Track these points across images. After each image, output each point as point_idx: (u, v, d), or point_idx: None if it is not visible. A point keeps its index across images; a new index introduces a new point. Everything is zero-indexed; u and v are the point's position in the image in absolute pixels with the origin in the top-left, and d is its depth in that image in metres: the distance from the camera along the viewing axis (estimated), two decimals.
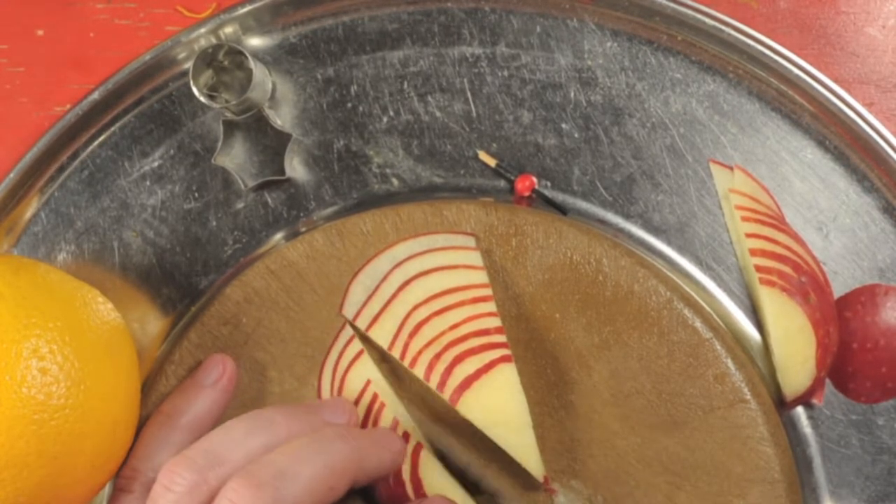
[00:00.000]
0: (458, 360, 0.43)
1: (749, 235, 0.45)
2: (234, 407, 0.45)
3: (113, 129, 0.49)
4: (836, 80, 0.46)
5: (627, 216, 0.47)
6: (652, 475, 0.44)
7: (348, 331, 0.45)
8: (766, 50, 0.46)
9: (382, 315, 0.45)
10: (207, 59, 0.46)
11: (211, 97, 0.47)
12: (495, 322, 0.44)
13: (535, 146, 0.47)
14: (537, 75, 0.48)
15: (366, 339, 0.45)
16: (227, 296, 0.46)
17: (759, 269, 0.44)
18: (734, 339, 0.45)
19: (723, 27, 0.46)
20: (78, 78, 0.50)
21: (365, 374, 0.45)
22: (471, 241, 0.45)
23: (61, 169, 0.49)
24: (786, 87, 0.46)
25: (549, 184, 0.47)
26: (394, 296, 0.45)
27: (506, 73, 0.48)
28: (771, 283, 0.44)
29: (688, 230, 0.47)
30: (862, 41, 0.48)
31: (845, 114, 0.45)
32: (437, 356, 0.43)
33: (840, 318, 0.46)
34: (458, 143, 0.48)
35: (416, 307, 0.44)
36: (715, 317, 0.46)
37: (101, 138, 0.49)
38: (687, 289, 0.46)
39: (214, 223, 0.48)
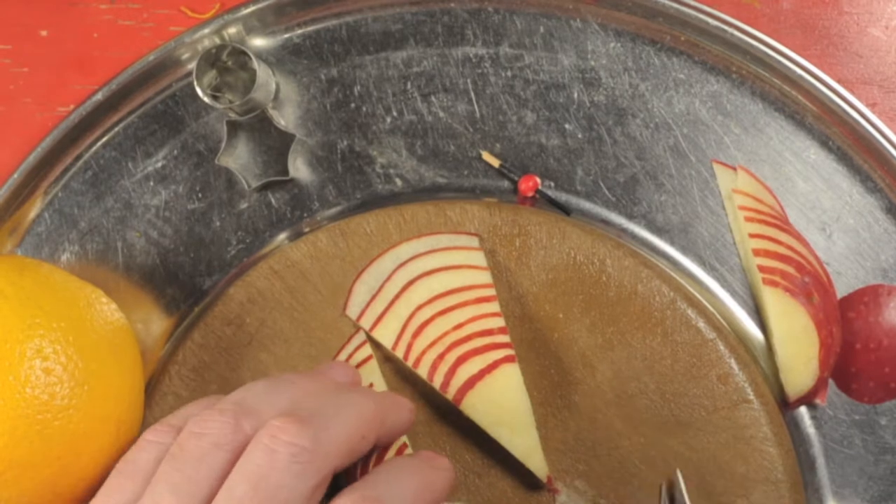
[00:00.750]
0: (462, 360, 0.43)
1: (752, 236, 0.45)
2: None
3: (116, 129, 0.49)
4: (839, 81, 0.46)
5: (631, 216, 0.47)
6: (655, 475, 0.44)
7: (362, 336, 0.45)
8: (769, 50, 0.46)
9: (386, 315, 0.45)
10: (211, 59, 0.46)
11: (214, 98, 0.47)
12: (499, 322, 0.44)
13: (539, 146, 0.47)
14: (541, 76, 0.48)
15: (370, 339, 0.45)
16: (231, 296, 0.46)
17: (762, 269, 0.44)
18: (737, 339, 0.45)
19: (726, 28, 0.46)
20: (81, 78, 0.50)
21: (368, 379, 0.45)
22: (474, 242, 0.45)
23: (65, 169, 0.49)
24: (789, 88, 0.46)
25: (552, 184, 0.47)
26: (397, 296, 0.45)
27: (509, 73, 0.48)
28: (774, 284, 0.44)
29: (691, 230, 0.47)
30: (865, 42, 0.48)
31: (848, 114, 0.46)
32: (441, 356, 0.43)
33: (843, 319, 0.46)
34: (461, 143, 0.48)
35: (419, 307, 0.44)
36: (718, 317, 0.46)
37: (105, 139, 0.49)
38: (690, 289, 0.46)
39: (218, 223, 0.48)
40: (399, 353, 0.44)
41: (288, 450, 0.35)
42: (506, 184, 0.48)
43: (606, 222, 0.47)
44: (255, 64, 0.46)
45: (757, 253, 0.44)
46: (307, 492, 0.35)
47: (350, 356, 0.45)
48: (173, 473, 0.35)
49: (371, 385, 0.45)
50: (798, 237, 0.45)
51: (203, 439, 0.36)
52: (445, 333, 0.44)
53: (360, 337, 0.45)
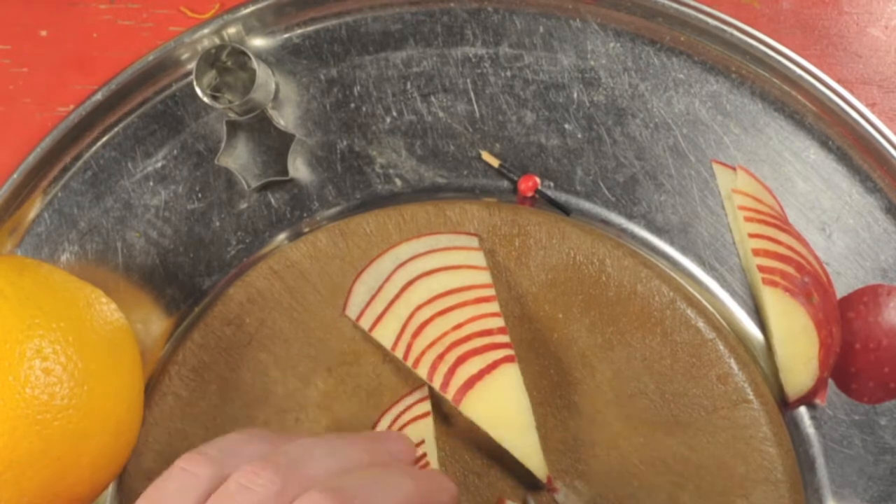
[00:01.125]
0: (462, 360, 0.43)
1: (752, 236, 0.45)
2: (237, 407, 0.45)
3: (116, 129, 0.49)
4: (838, 81, 0.46)
5: (630, 216, 0.47)
6: (655, 475, 0.44)
7: (424, 391, 0.45)
8: (768, 50, 0.46)
9: (386, 315, 0.45)
10: (211, 59, 0.46)
11: (214, 98, 0.47)
12: (498, 322, 0.44)
13: (539, 146, 0.47)
14: (540, 76, 0.48)
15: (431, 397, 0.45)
16: (231, 296, 0.46)
17: (761, 269, 0.44)
18: (737, 339, 0.45)
19: (726, 28, 0.46)
20: (81, 79, 0.50)
21: (421, 434, 0.44)
22: (474, 242, 0.45)
23: (65, 169, 0.49)
24: (789, 88, 0.46)
25: (552, 184, 0.47)
26: (397, 296, 0.45)
27: (509, 73, 0.48)
28: (774, 284, 0.44)
29: (691, 230, 0.47)
30: (865, 42, 0.48)
31: (848, 114, 0.45)
32: (441, 356, 0.43)
33: (843, 319, 0.46)
34: (461, 143, 0.48)
35: (419, 307, 0.44)
36: (718, 317, 0.46)
37: (105, 139, 0.49)
38: (690, 289, 0.46)
39: (218, 223, 0.48)
40: (398, 354, 0.44)
41: None
42: (505, 184, 0.48)
43: (606, 222, 0.47)
44: (255, 64, 0.46)
45: (756, 253, 0.44)
46: None
47: (408, 408, 0.45)
48: None
49: (422, 442, 0.44)
50: (798, 237, 0.45)
51: (248, 495, 0.36)
52: (445, 334, 0.44)
53: (422, 392, 0.45)
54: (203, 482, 0.37)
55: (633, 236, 0.47)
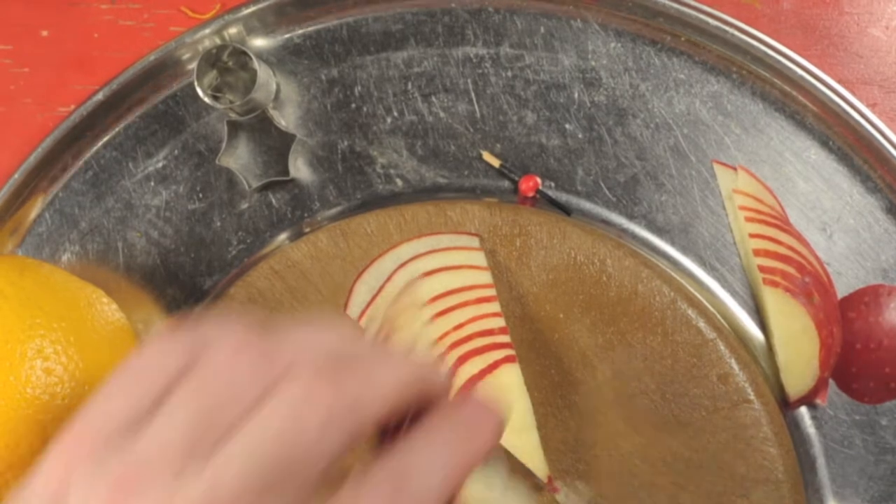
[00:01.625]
0: (463, 360, 0.43)
1: (752, 236, 0.45)
2: None
3: (117, 129, 0.49)
4: (839, 81, 0.46)
5: (631, 216, 0.47)
6: (656, 475, 0.44)
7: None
8: (769, 51, 0.46)
9: None
10: (212, 59, 0.46)
11: (215, 98, 0.47)
12: (499, 322, 0.44)
13: (539, 147, 0.47)
14: (541, 76, 0.48)
15: None
16: (232, 296, 0.46)
17: (762, 269, 0.44)
18: (738, 339, 0.45)
19: (726, 28, 0.46)
20: (82, 79, 0.50)
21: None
22: (475, 242, 0.45)
23: (65, 170, 0.49)
24: (789, 88, 0.46)
25: (552, 184, 0.47)
26: (398, 296, 0.45)
27: (510, 73, 0.48)
28: (774, 284, 0.44)
29: (691, 230, 0.47)
30: (865, 42, 0.48)
31: (849, 114, 0.46)
32: (441, 357, 0.43)
33: (843, 319, 0.46)
34: (461, 143, 0.48)
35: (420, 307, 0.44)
36: (718, 317, 0.46)
37: (106, 139, 0.49)
38: (690, 289, 0.46)
39: (219, 223, 0.48)
40: None
41: (318, 413, 0.29)
42: (506, 184, 0.48)
43: (607, 222, 0.47)
44: (256, 64, 0.46)
45: (757, 253, 0.44)
46: (336, 451, 0.30)
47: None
48: (192, 400, 0.30)
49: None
50: (798, 237, 0.45)
51: (226, 375, 0.30)
52: (446, 334, 0.44)
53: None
54: (178, 360, 0.31)
55: (634, 236, 0.47)
